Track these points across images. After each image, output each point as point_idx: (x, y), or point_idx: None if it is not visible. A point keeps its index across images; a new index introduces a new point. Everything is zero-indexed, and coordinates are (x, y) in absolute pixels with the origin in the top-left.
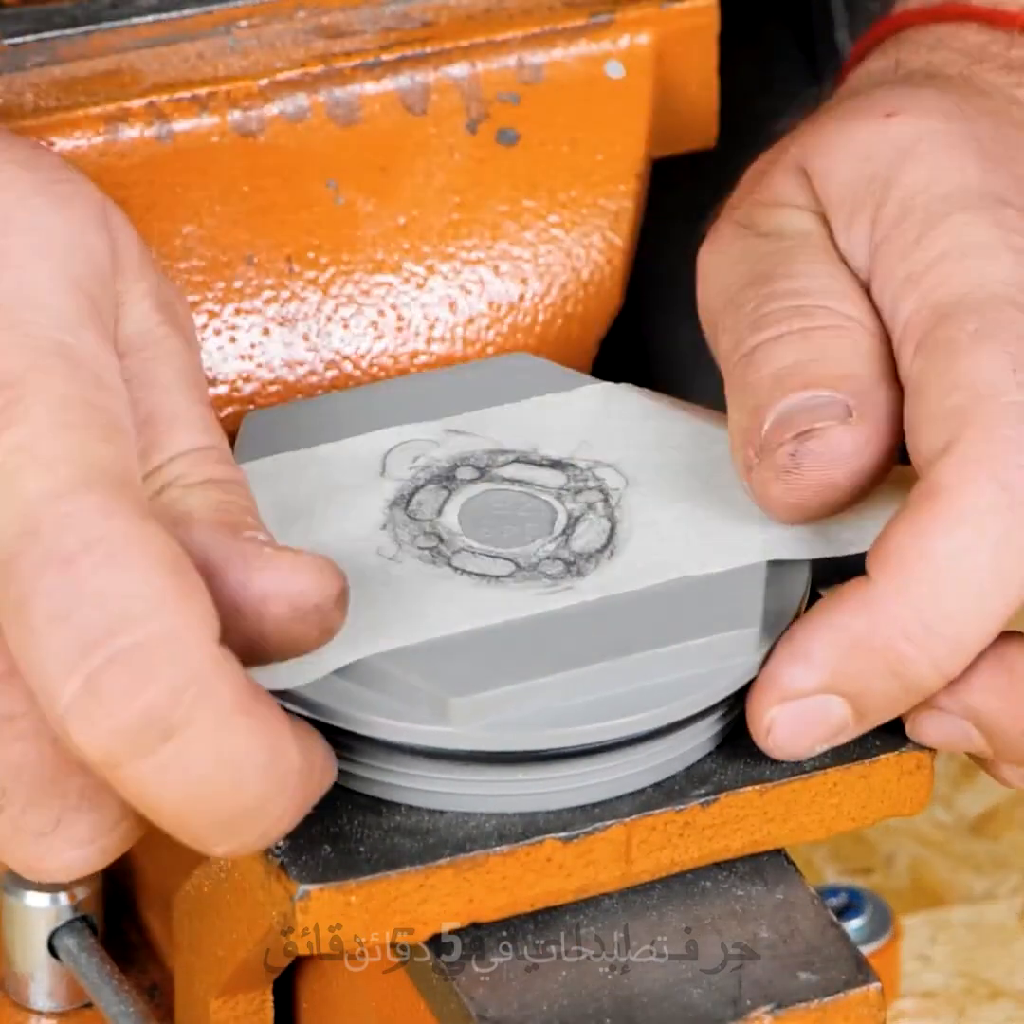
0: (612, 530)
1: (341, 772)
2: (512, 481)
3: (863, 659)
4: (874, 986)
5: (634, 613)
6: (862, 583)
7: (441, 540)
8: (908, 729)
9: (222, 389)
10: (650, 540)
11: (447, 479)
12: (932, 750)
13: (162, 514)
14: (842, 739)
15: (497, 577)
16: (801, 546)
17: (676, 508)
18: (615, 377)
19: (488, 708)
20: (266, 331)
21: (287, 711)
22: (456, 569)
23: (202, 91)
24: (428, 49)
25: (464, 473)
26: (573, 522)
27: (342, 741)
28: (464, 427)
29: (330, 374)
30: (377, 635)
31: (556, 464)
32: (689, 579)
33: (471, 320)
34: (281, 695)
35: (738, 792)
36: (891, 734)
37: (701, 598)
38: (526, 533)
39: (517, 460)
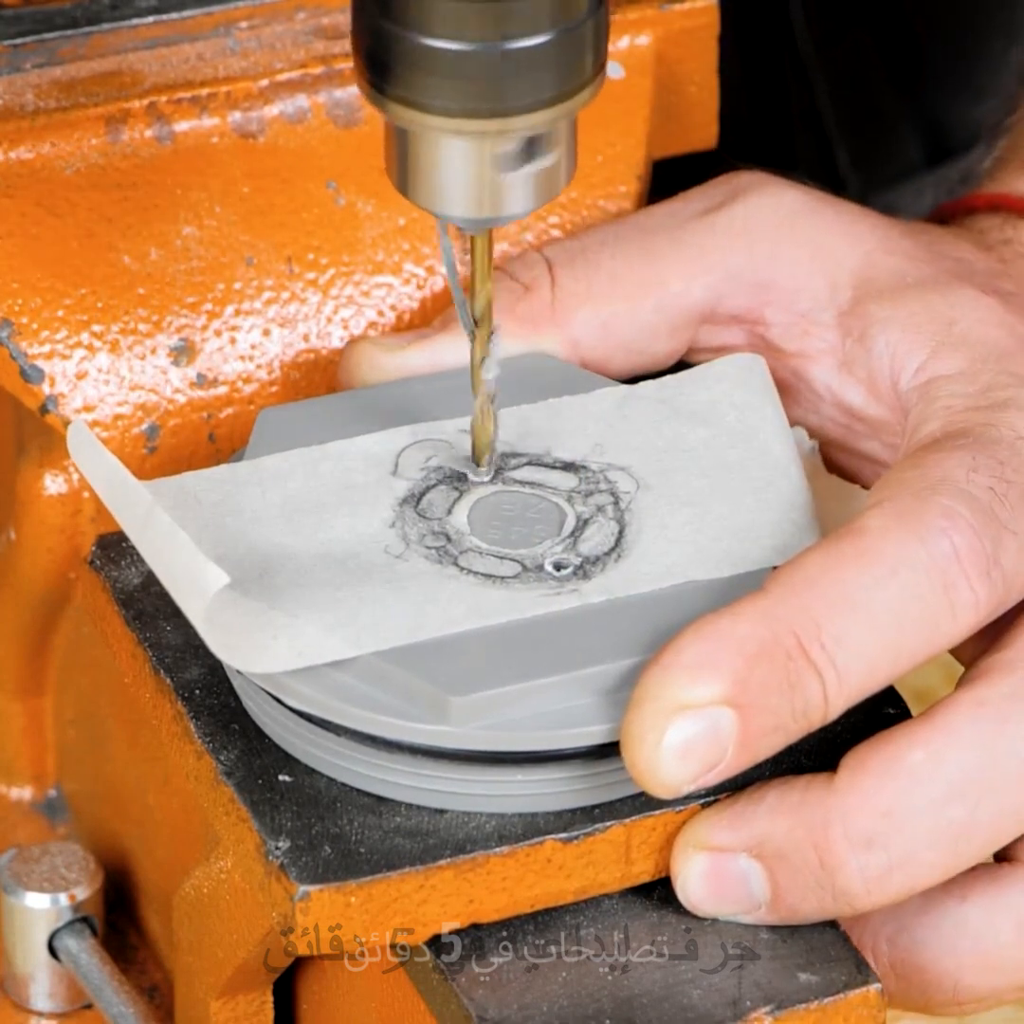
0: (621, 533)
1: (341, 769)
2: (523, 483)
3: (765, 668)
4: (874, 986)
5: (637, 616)
6: (757, 596)
7: (449, 540)
8: (677, 886)
9: (222, 390)
10: (658, 544)
11: (459, 479)
12: None
13: None
14: (721, 774)
15: (502, 578)
16: None
17: (685, 512)
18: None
19: (488, 708)
20: (266, 332)
21: (289, 709)
22: (462, 569)
23: (202, 92)
24: None
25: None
26: (582, 524)
27: (342, 738)
28: None
29: (330, 375)
30: (380, 633)
31: (568, 466)
32: (694, 583)
33: None
34: (280, 689)
35: (736, 793)
36: None
37: (705, 602)
38: (534, 535)
39: (530, 462)
